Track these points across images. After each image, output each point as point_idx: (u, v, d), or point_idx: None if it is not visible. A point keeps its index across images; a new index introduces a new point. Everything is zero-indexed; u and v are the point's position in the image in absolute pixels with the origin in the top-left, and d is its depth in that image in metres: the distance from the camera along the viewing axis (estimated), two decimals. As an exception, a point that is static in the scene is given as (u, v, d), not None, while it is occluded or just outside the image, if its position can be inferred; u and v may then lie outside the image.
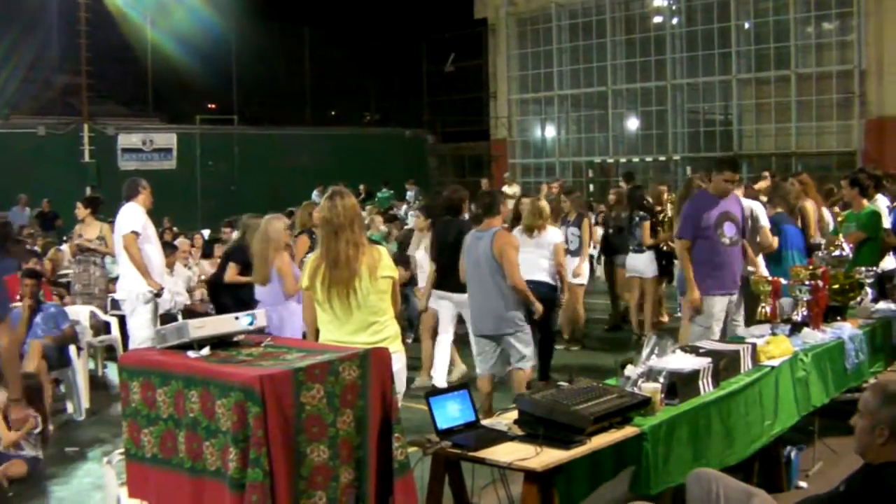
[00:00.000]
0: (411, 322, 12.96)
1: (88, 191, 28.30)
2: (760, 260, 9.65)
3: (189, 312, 12.26)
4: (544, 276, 10.21)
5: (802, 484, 7.17)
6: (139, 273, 9.88)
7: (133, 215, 10.05)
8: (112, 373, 11.84)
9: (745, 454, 6.30)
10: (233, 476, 4.01)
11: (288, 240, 9.23)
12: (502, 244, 8.55)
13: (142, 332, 9.78)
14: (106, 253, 12.96)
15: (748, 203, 9.66)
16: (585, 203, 12.61)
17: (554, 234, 10.59)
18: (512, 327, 8.60)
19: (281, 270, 8.73)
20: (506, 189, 25.65)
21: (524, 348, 8.68)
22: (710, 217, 8.82)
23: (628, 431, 5.18)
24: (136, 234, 9.90)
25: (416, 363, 10.53)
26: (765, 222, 9.67)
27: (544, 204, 10.96)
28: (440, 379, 10.49)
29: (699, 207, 8.96)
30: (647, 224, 12.67)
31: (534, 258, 10.19)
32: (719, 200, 8.91)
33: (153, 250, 10.15)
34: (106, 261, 13.17)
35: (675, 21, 31.74)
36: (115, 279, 11.58)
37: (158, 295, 9.94)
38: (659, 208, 12.92)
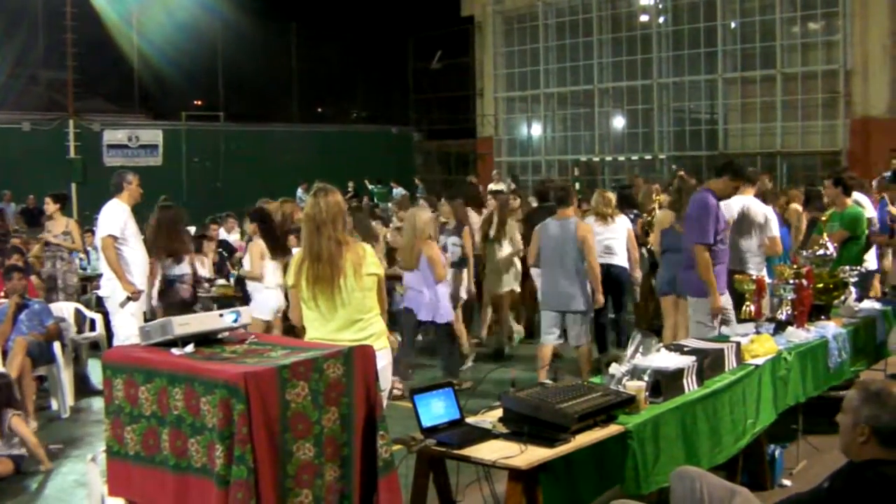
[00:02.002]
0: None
1: (74, 187, 28.34)
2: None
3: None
4: (623, 261, 11.52)
5: (786, 482, 7.20)
6: (115, 276, 9.81)
7: (112, 216, 9.90)
8: (96, 370, 11.82)
9: (732, 452, 6.32)
10: (219, 473, 4.00)
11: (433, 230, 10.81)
12: (585, 232, 9.87)
13: (125, 329, 9.73)
14: (72, 248, 12.93)
15: (762, 209, 9.56)
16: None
17: (624, 221, 11.80)
18: (583, 305, 9.81)
19: (431, 258, 10.20)
20: (493, 186, 25.74)
21: (583, 328, 9.89)
22: (722, 219, 8.70)
23: (612, 430, 5.18)
24: (113, 237, 9.80)
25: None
26: (776, 232, 9.59)
27: (611, 194, 12.10)
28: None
29: (716, 211, 8.63)
30: (641, 221, 12.84)
31: (613, 243, 11.43)
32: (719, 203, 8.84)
33: (132, 252, 9.98)
34: (75, 255, 13.17)
35: (661, 20, 31.80)
36: (98, 276, 11.59)
37: (133, 298, 9.82)
38: (652, 207, 12.97)
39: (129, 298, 9.76)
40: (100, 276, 10.93)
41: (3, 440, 8.13)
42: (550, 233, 10.00)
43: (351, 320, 5.93)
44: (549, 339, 10.10)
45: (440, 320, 10.57)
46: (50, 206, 13.30)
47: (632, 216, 12.79)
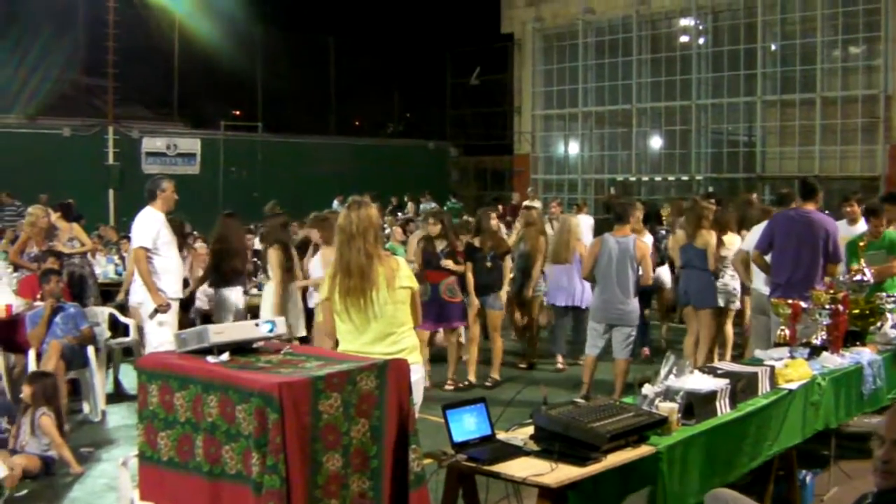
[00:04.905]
0: None
1: (111, 194, 28.52)
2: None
3: (206, 317, 12.33)
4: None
5: (816, 509, 7.15)
6: (146, 289, 9.80)
7: (145, 227, 9.88)
8: (129, 375, 11.90)
9: (742, 472, 6.26)
10: (256, 480, 4.02)
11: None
12: (644, 249, 10.55)
13: (157, 336, 9.74)
14: (83, 252, 12.89)
15: None
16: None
17: (648, 239, 12.46)
18: (634, 321, 10.42)
19: (584, 255, 11.53)
20: (528, 203, 25.75)
21: (629, 340, 10.38)
22: None
23: (644, 450, 5.16)
24: (145, 249, 9.80)
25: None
26: None
27: (639, 213, 12.76)
28: None
29: None
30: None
31: None
32: None
33: (164, 260, 9.91)
34: (89, 258, 13.18)
35: (701, 41, 31.69)
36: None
37: (161, 311, 9.77)
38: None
39: (156, 311, 9.76)
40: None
41: (34, 439, 8.21)
42: (608, 248, 10.38)
43: (384, 333, 5.94)
44: (594, 352, 10.58)
45: (584, 306, 12.25)
46: (52, 216, 13.30)
47: (663, 232, 13.95)
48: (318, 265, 10.79)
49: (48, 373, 9.06)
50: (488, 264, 11.83)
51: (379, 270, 5.89)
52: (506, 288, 12.20)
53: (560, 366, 12.84)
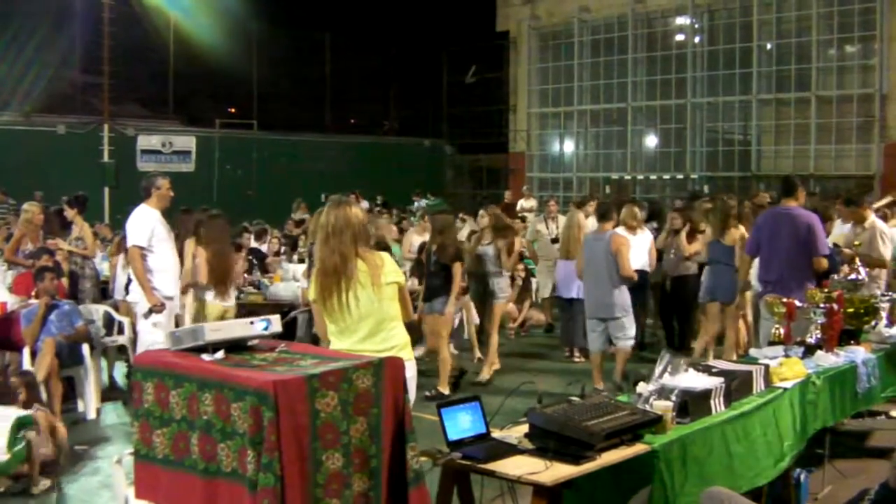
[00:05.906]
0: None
1: (106, 191, 28.47)
2: None
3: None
4: (644, 266, 12.52)
5: (811, 507, 7.15)
6: (140, 288, 9.76)
7: (139, 225, 9.83)
8: (123, 373, 11.91)
9: (773, 475, 6.28)
10: (251, 478, 4.02)
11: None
12: (618, 244, 10.76)
13: (149, 336, 9.68)
14: (83, 254, 12.81)
15: None
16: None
17: (647, 233, 13.03)
18: (620, 312, 10.73)
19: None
20: (523, 203, 25.77)
21: (628, 329, 10.84)
22: None
23: (639, 448, 5.16)
24: (139, 248, 9.77)
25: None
26: None
27: (638, 209, 13.19)
28: None
29: None
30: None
31: (636, 252, 11.95)
32: None
33: (159, 259, 9.86)
34: (94, 262, 13.13)
35: (697, 40, 31.64)
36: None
37: (155, 311, 9.72)
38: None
39: (150, 311, 9.72)
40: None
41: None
42: (587, 247, 11.05)
43: (373, 331, 5.93)
44: (596, 347, 11.06)
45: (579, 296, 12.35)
46: (69, 212, 13.20)
47: (655, 228, 14.22)
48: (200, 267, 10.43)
49: (27, 371, 9.05)
50: (432, 269, 11.54)
51: (361, 268, 5.88)
52: (453, 297, 11.40)
53: (577, 359, 13.22)
